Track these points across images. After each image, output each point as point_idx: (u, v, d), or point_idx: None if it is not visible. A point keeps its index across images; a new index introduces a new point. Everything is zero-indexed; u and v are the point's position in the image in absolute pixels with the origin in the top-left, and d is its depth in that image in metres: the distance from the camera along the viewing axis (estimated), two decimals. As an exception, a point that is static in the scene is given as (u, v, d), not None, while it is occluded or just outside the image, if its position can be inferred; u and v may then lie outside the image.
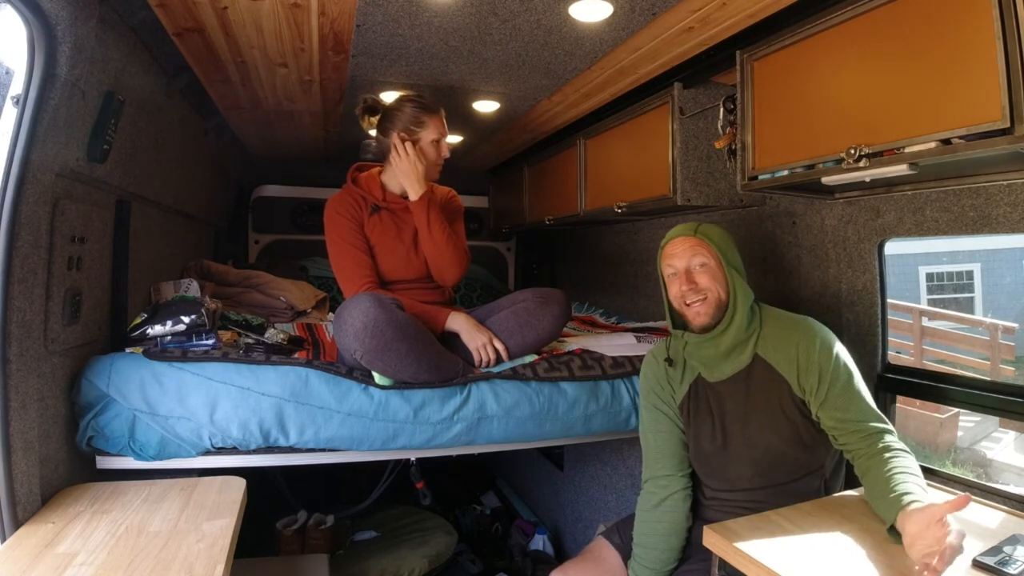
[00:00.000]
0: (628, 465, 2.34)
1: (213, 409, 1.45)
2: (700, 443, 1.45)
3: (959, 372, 6.18)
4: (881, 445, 1.25)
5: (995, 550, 1.03)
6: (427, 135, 1.84)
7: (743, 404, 1.40)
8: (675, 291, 1.44)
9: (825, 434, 1.33)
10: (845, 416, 1.30)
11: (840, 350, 1.36)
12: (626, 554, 1.53)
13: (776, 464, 1.35)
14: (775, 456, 1.35)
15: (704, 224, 1.47)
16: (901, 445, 1.26)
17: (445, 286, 1.92)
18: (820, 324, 1.41)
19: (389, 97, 2.08)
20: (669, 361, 1.52)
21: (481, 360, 1.70)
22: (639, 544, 1.47)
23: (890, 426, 1.31)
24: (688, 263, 1.42)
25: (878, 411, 1.31)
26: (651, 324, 2.37)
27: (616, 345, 1.93)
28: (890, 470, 1.17)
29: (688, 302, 1.41)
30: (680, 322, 1.48)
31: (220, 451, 1.48)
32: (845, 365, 1.34)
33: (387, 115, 1.87)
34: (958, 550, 0.95)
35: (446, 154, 1.89)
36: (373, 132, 1.95)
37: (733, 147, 1.74)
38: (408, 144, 1.81)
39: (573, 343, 1.93)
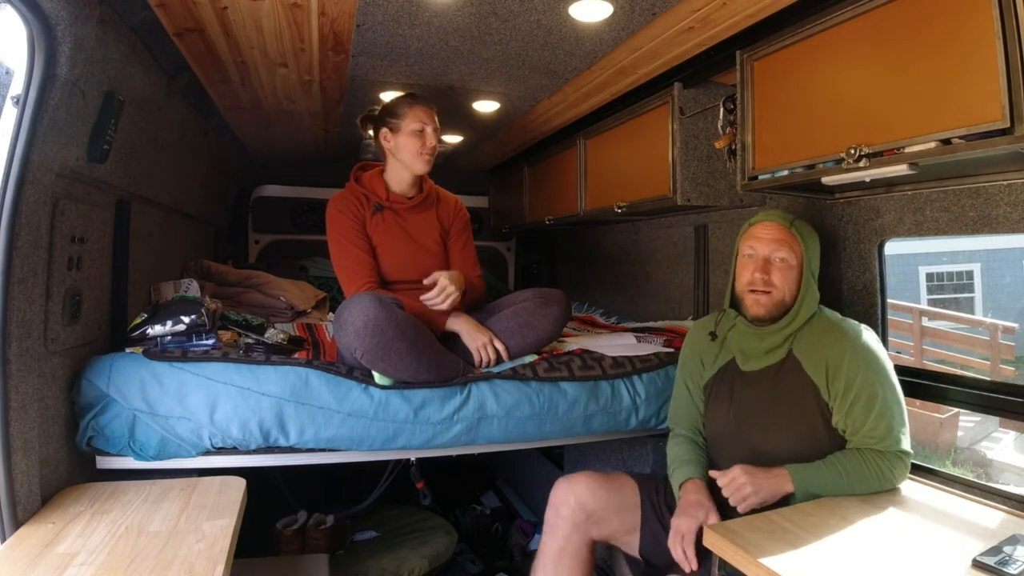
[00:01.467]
0: (628, 465, 2.34)
1: (213, 409, 1.45)
2: (716, 424, 1.47)
3: (959, 372, 6.18)
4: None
5: (995, 550, 1.03)
6: (407, 124, 1.81)
7: (769, 397, 1.40)
8: (746, 274, 1.41)
9: (841, 441, 1.34)
10: (858, 429, 1.31)
11: (873, 363, 1.32)
12: (646, 489, 1.50)
13: (784, 460, 1.34)
14: (785, 452, 1.35)
15: (800, 220, 1.43)
16: (887, 464, 1.28)
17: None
18: (862, 332, 1.37)
19: (388, 98, 2.08)
20: (713, 335, 1.51)
21: (481, 360, 1.70)
22: (677, 458, 1.47)
23: (903, 448, 1.30)
24: (771, 253, 1.39)
25: (899, 435, 1.30)
26: (651, 324, 2.36)
27: (616, 345, 1.93)
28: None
29: (753, 289, 1.39)
30: (735, 301, 1.47)
31: (220, 451, 1.48)
32: (874, 381, 1.30)
33: (374, 116, 1.89)
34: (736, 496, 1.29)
35: (432, 142, 1.83)
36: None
37: (733, 147, 1.74)
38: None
39: (573, 343, 1.93)
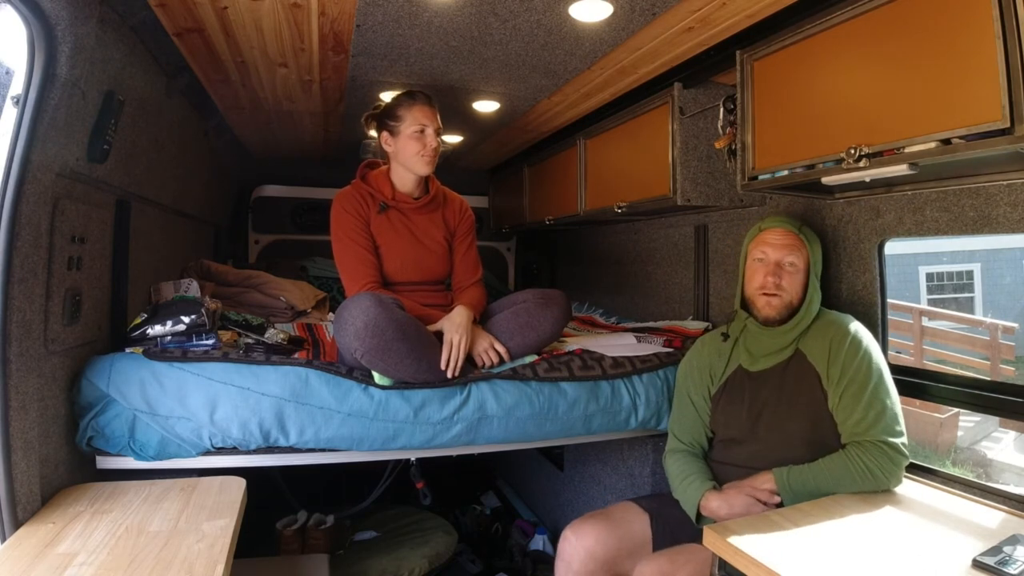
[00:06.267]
0: (628, 465, 2.34)
1: (213, 409, 1.45)
2: (731, 428, 1.49)
3: (959, 372, 6.17)
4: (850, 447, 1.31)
5: (995, 550, 1.03)
6: (406, 127, 1.78)
7: (779, 392, 1.43)
8: (757, 279, 1.47)
9: None
10: (846, 418, 1.32)
11: (871, 355, 1.37)
12: (656, 517, 1.51)
13: (797, 449, 1.37)
14: (799, 441, 1.38)
15: (806, 226, 1.51)
16: (872, 459, 1.28)
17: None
18: (862, 326, 1.43)
19: (388, 97, 2.08)
20: (725, 336, 1.56)
21: (483, 363, 1.69)
22: (683, 472, 1.49)
23: (890, 439, 1.29)
24: (782, 257, 1.46)
25: (887, 426, 1.31)
26: (651, 324, 2.36)
27: (616, 345, 1.93)
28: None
29: (765, 292, 1.45)
30: (744, 304, 1.53)
31: (220, 451, 1.48)
32: (869, 370, 1.34)
33: (375, 116, 1.88)
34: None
35: (432, 143, 1.80)
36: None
37: (733, 147, 1.73)
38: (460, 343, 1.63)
39: (573, 343, 1.93)
